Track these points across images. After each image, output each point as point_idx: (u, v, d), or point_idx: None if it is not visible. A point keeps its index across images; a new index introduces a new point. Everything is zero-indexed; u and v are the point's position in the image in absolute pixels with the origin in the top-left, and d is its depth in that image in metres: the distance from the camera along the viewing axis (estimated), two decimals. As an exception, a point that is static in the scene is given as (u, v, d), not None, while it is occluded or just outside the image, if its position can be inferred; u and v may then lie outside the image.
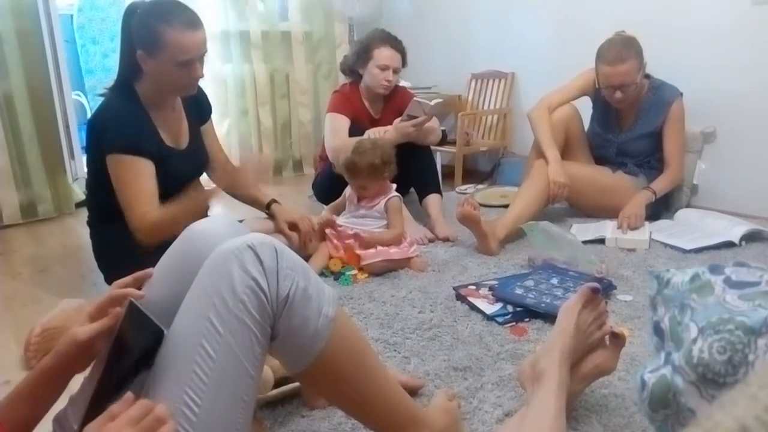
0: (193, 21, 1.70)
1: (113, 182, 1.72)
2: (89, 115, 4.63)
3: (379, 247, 2.06)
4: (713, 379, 0.83)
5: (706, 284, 0.93)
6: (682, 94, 2.53)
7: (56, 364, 0.84)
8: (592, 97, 2.69)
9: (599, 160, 2.72)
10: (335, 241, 2.15)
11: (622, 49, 2.40)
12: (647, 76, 2.58)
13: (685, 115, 2.54)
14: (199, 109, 1.97)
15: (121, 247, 1.76)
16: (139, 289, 0.93)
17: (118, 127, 1.71)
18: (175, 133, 1.85)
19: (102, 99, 1.79)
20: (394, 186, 2.21)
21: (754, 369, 0.79)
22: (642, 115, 2.59)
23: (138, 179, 1.71)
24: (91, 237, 1.91)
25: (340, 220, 2.22)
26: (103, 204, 1.85)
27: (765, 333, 0.80)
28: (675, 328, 0.94)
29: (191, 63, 1.71)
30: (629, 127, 2.62)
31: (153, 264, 0.97)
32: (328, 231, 2.18)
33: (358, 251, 2.06)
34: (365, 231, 2.12)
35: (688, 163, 2.74)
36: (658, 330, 1.00)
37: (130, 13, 1.71)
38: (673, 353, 0.92)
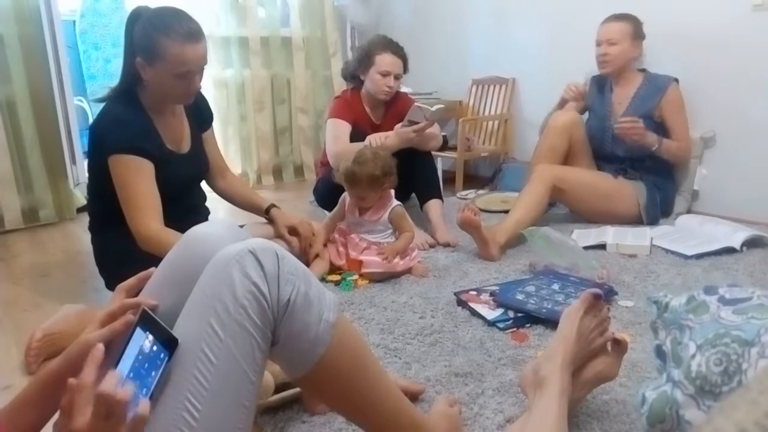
0: (194, 33, 1.68)
1: (114, 183, 1.70)
2: (91, 120, 4.67)
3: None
4: (710, 390, 0.85)
5: (701, 304, 0.96)
6: (677, 80, 2.61)
7: (66, 368, 0.84)
8: (588, 96, 2.80)
9: (600, 166, 2.74)
10: (340, 248, 2.15)
11: (620, 14, 2.64)
12: (643, 70, 2.68)
13: (683, 100, 2.63)
14: (200, 115, 1.97)
15: (122, 253, 1.76)
16: (141, 288, 0.93)
17: (120, 128, 1.70)
18: (176, 137, 1.85)
19: (102, 103, 1.78)
20: (393, 193, 2.19)
21: (747, 377, 0.80)
22: (635, 101, 2.67)
23: (139, 180, 1.69)
24: (92, 242, 1.91)
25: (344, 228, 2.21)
26: (104, 209, 1.85)
27: (758, 342, 0.82)
28: (675, 348, 0.96)
29: (190, 75, 1.70)
30: (623, 113, 2.68)
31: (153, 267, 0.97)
32: (336, 236, 2.19)
33: (362, 257, 2.06)
34: (379, 243, 2.11)
35: (689, 168, 2.76)
36: (660, 353, 1.02)
37: (133, 19, 1.71)
38: (673, 371, 0.94)
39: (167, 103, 1.82)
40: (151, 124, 1.77)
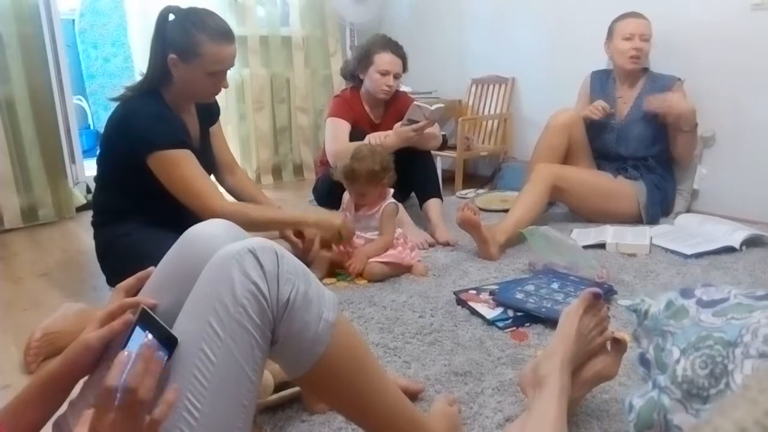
0: (229, 33, 1.73)
1: (166, 179, 1.73)
2: (90, 119, 4.67)
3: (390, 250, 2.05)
4: (697, 394, 0.85)
5: (680, 309, 0.97)
6: (681, 80, 2.61)
7: (66, 368, 0.84)
8: (591, 94, 2.79)
9: (600, 165, 2.74)
10: (342, 248, 2.14)
11: (635, 11, 2.64)
12: (645, 70, 2.69)
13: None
14: (208, 110, 2.00)
15: (125, 248, 1.76)
16: (140, 288, 0.93)
17: (163, 124, 1.73)
18: (192, 133, 1.88)
19: (125, 100, 1.77)
20: (392, 191, 2.18)
21: (734, 378, 0.81)
22: (640, 100, 2.66)
23: (193, 170, 1.75)
24: (96, 236, 1.90)
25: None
26: (116, 203, 1.85)
27: (740, 343, 0.83)
28: (659, 355, 0.97)
29: (221, 74, 1.75)
30: (629, 113, 2.67)
31: (155, 265, 0.97)
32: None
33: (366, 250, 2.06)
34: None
35: (689, 167, 2.76)
36: (644, 361, 1.02)
37: (164, 17, 1.72)
38: (659, 377, 0.94)
39: (192, 100, 1.86)
40: (181, 120, 1.81)
